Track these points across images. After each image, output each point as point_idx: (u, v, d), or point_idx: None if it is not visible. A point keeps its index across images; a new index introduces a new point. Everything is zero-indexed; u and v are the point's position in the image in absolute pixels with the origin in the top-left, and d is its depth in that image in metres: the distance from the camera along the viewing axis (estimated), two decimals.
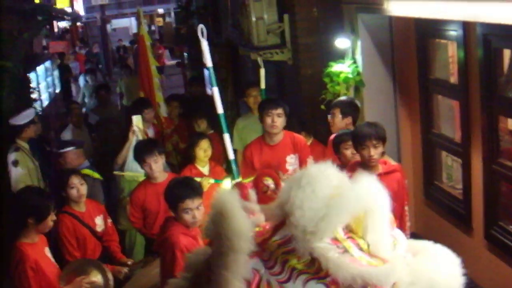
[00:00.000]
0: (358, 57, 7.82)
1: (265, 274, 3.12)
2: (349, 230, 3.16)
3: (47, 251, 5.47)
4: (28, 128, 8.27)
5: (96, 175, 7.67)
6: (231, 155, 6.25)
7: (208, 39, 6.30)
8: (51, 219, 5.33)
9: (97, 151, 9.92)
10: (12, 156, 8.04)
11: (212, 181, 6.91)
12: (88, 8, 40.47)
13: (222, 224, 3.11)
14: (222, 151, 7.11)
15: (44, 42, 23.51)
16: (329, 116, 7.02)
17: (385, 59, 7.91)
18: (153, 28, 47.30)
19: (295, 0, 8.71)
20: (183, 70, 23.23)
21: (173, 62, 29.12)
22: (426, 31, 7.13)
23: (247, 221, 3.15)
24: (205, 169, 7.20)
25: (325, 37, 8.53)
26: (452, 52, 6.77)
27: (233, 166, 6.28)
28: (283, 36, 9.30)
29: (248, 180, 5.60)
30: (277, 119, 6.62)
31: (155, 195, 6.41)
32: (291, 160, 6.79)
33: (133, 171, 7.51)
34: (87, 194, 6.52)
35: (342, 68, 7.79)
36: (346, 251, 3.03)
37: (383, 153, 5.65)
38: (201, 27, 6.17)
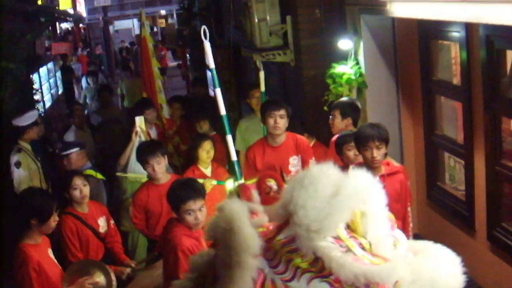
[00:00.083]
0: (361, 58, 7.81)
1: (270, 273, 3.15)
2: (351, 230, 3.18)
3: (50, 253, 5.46)
4: (30, 130, 8.28)
5: (99, 176, 7.68)
6: (233, 157, 6.25)
7: (211, 41, 6.30)
8: (54, 220, 5.32)
9: (99, 152, 9.92)
10: (14, 157, 8.04)
11: (214, 182, 6.92)
12: (91, 10, 40.46)
13: (231, 238, 3.13)
14: (225, 153, 7.11)
15: (46, 44, 23.54)
16: (330, 118, 7.03)
17: (387, 60, 7.90)
18: (155, 29, 47.32)
19: (297, 1, 8.71)
20: (183, 71, 23.24)
21: (176, 63, 29.13)
22: (429, 33, 7.13)
23: (256, 236, 3.18)
24: (207, 171, 7.20)
25: (328, 38, 8.53)
26: (455, 53, 6.77)
27: (236, 168, 6.27)
28: (285, 37, 9.30)
29: (251, 182, 5.60)
30: (280, 120, 6.62)
31: (157, 196, 6.41)
32: (293, 162, 6.79)
33: (136, 172, 7.50)
34: (90, 195, 6.52)
35: (344, 70, 7.79)
36: (349, 250, 3.05)
37: (385, 154, 5.64)
38: (203, 28, 6.17)
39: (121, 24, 45.45)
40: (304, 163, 6.78)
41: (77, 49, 33.78)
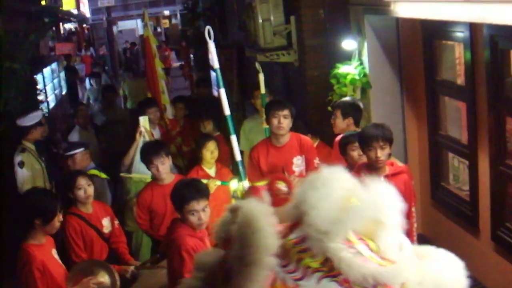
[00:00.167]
0: (365, 58, 7.81)
1: (280, 272, 3.18)
2: (359, 233, 3.20)
3: (54, 253, 5.47)
4: (34, 130, 8.28)
5: (103, 175, 7.69)
6: (238, 157, 6.26)
7: (215, 41, 6.31)
8: (58, 220, 5.33)
9: (103, 152, 9.92)
10: (18, 157, 8.05)
11: (218, 183, 6.92)
12: (94, 10, 40.42)
13: (251, 237, 3.16)
14: (229, 153, 7.12)
15: (50, 44, 23.55)
16: (332, 117, 7.04)
17: (391, 60, 7.90)
18: (159, 30, 47.35)
19: (301, 1, 8.71)
20: (185, 72, 23.26)
21: (179, 64, 29.15)
22: (433, 33, 7.13)
23: (276, 236, 3.21)
24: (211, 171, 7.20)
25: (332, 38, 8.53)
26: (459, 53, 6.77)
27: (240, 168, 6.28)
28: (289, 37, 9.31)
29: (262, 184, 5.65)
30: (284, 120, 6.61)
31: (161, 196, 6.41)
32: (297, 162, 6.79)
33: (140, 172, 7.50)
34: (95, 194, 6.53)
35: (348, 70, 7.79)
36: (358, 251, 3.07)
37: (389, 155, 5.64)
38: (208, 28, 6.18)
39: (124, 25, 45.41)
40: (308, 163, 6.79)
41: (80, 50, 33.78)
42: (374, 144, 5.46)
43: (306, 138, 7.00)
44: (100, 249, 6.38)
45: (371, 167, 5.58)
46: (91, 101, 16.03)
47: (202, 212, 5.09)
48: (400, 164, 5.93)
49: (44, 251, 5.29)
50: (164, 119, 9.66)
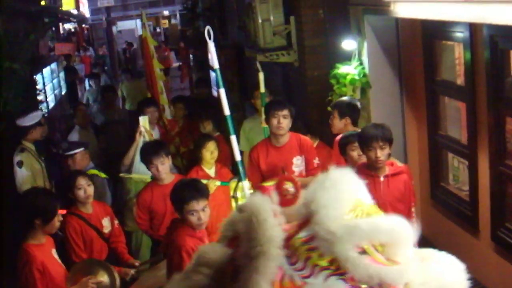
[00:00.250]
0: (365, 58, 7.81)
1: (288, 270, 3.23)
2: None
3: (54, 253, 5.47)
4: (34, 130, 8.29)
5: (103, 175, 7.70)
6: (237, 157, 6.26)
7: (214, 41, 6.31)
8: (57, 220, 5.33)
9: (103, 152, 9.92)
10: (17, 157, 8.06)
11: (218, 183, 6.92)
12: (94, 10, 40.42)
13: (255, 229, 3.21)
14: (229, 153, 7.12)
15: (50, 44, 23.54)
16: (330, 117, 7.05)
17: (391, 60, 7.90)
18: (158, 30, 47.32)
19: (301, 2, 8.72)
20: (183, 73, 23.28)
21: (178, 64, 29.15)
22: (433, 33, 7.13)
23: (279, 228, 3.27)
24: (211, 171, 7.19)
25: (332, 38, 8.53)
26: (459, 53, 6.77)
27: (240, 168, 6.28)
28: (289, 37, 9.32)
29: (270, 184, 5.67)
30: (283, 120, 6.61)
31: (161, 196, 6.41)
32: (297, 162, 6.78)
33: (140, 172, 7.50)
34: (95, 193, 6.54)
35: (348, 70, 7.79)
36: (364, 251, 3.11)
37: (389, 155, 5.64)
38: (208, 28, 6.18)
39: (124, 25, 45.36)
40: (308, 164, 6.79)
41: (79, 50, 33.79)
42: (374, 144, 5.46)
43: (306, 138, 7.00)
44: (100, 249, 6.38)
45: (371, 167, 5.59)
46: (90, 102, 16.03)
47: (201, 212, 5.09)
48: (399, 164, 5.94)
49: (44, 251, 5.29)
50: (162, 120, 9.67)
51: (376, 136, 5.47)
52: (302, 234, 3.26)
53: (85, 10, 38.73)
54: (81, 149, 7.72)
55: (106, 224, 6.50)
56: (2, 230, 7.54)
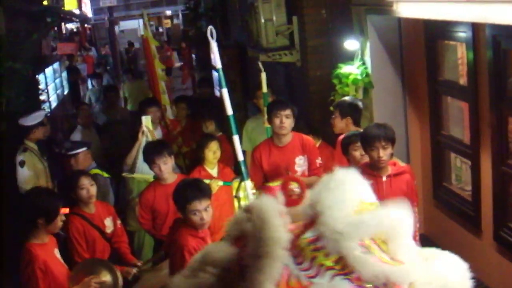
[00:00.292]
0: (367, 58, 7.80)
1: (295, 270, 3.28)
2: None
3: (57, 252, 5.47)
4: (36, 130, 8.30)
5: (106, 174, 7.70)
6: (240, 157, 6.26)
7: (217, 41, 6.31)
8: (60, 220, 5.34)
9: (106, 152, 9.93)
10: (19, 157, 8.07)
11: (220, 183, 6.92)
12: (96, 10, 40.47)
13: (261, 230, 3.26)
14: (231, 153, 7.12)
15: (52, 44, 23.57)
16: (332, 117, 7.05)
17: (394, 60, 7.89)
18: (160, 30, 47.33)
19: (304, 1, 8.72)
20: (184, 74, 23.29)
21: (180, 64, 29.15)
22: (435, 33, 7.12)
23: (285, 229, 3.32)
24: (214, 171, 7.19)
25: (334, 38, 8.53)
26: (461, 53, 6.76)
27: (242, 168, 6.28)
28: (292, 37, 9.32)
29: (275, 184, 5.68)
30: (286, 120, 6.60)
31: (164, 196, 6.41)
32: (299, 162, 6.78)
33: (143, 172, 7.50)
34: (98, 192, 6.54)
35: (351, 70, 7.78)
36: (370, 251, 3.13)
37: (391, 155, 5.64)
38: (210, 28, 6.18)
39: (126, 25, 45.35)
40: (310, 163, 6.79)
41: (81, 50, 33.81)
42: (376, 144, 5.46)
43: (308, 138, 6.99)
44: (102, 249, 6.38)
45: (374, 167, 5.58)
46: (92, 102, 16.04)
47: (204, 212, 5.09)
48: (402, 164, 5.93)
49: (47, 251, 5.30)
50: (165, 120, 9.67)
51: (379, 136, 5.47)
52: (308, 235, 3.30)
53: (88, 10, 38.81)
54: (84, 148, 7.73)
55: (109, 224, 6.51)
56: (3, 230, 7.55)
